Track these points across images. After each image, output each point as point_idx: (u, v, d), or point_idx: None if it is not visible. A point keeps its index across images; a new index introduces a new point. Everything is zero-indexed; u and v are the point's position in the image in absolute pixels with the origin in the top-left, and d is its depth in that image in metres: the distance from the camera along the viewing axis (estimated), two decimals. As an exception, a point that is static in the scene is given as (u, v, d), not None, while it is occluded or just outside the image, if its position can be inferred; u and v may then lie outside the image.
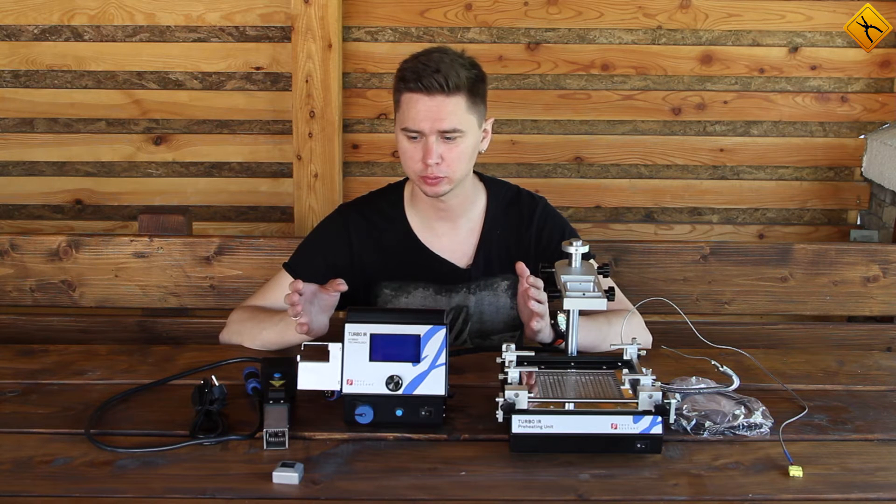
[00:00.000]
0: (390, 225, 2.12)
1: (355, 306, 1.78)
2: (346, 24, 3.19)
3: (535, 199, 2.16)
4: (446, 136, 1.94)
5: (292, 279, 2.07)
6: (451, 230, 2.11)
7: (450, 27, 3.20)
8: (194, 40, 3.20)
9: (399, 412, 1.63)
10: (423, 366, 1.63)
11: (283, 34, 3.18)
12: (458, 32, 3.21)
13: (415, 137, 1.95)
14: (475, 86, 1.96)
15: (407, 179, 2.15)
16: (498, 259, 2.11)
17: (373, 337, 1.64)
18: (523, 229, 2.12)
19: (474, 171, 2.10)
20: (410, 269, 2.10)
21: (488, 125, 2.05)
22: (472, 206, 2.11)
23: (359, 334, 1.64)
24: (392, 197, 2.15)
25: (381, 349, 1.63)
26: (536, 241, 2.12)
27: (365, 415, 1.62)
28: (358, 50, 3.22)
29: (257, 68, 3.22)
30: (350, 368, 1.63)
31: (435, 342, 1.63)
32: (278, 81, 3.23)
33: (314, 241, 2.16)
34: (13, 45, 3.19)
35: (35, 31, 3.19)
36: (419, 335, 1.63)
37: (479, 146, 2.04)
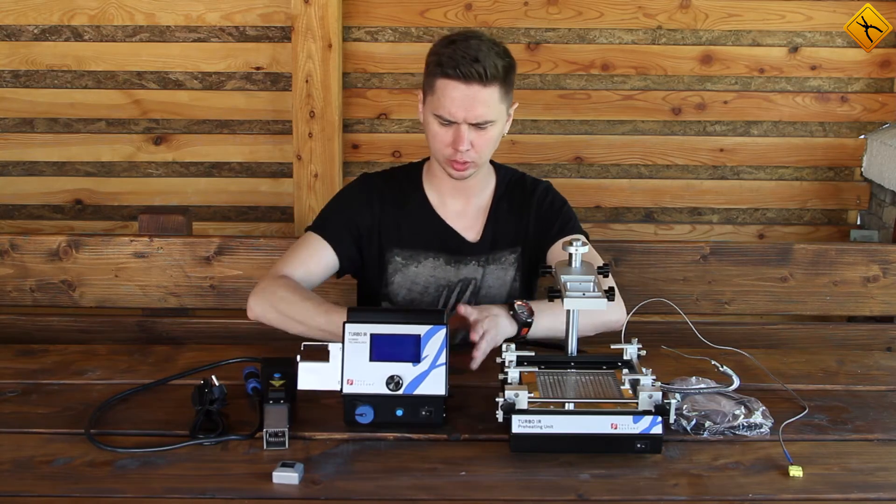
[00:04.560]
0: (409, 193, 2.16)
1: (355, 306, 1.78)
2: (346, 24, 3.19)
3: (538, 181, 2.22)
4: (479, 125, 1.97)
5: (321, 239, 2.08)
6: (464, 206, 2.15)
7: (450, 27, 3.19)
8: (194, 40, 3.20)
9: (399, 412, 1.63)
10: (423, 366, 1.62)
11: (283, 34, 3.18)
12: (458, 32, 3.21)
13: (446, 123, 1.98)
14: (508, 75, 2.00)
15: (426, 160, 2.19)
16: (504, 235, 2.15)
17: (373, 337, 1.64)
18: (524, 208, 2.17)
19: None
20: (423, 238, 2.13)
21: (513, 110, 2.09)
22: (486, 186, 2.17)
23: (359, 334, 1.64)
24: (410, 169, 2.21)
25: (382, 349, 1.63)
26: (536, 218, 2.16)
27: (365, 415, 1.62)
28: (358, 50, 3.22)
29: (257, 68, 3.22)
30: (350, 368, 1.62)
31: (435, 342, 1.63)
32: (278, 81, 3.22)
33: (340, 203, 2.17)
34: (13, 45, 3.19)
35: (35, 31, 3.19)
36: (419, 335, 1.63)
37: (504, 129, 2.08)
